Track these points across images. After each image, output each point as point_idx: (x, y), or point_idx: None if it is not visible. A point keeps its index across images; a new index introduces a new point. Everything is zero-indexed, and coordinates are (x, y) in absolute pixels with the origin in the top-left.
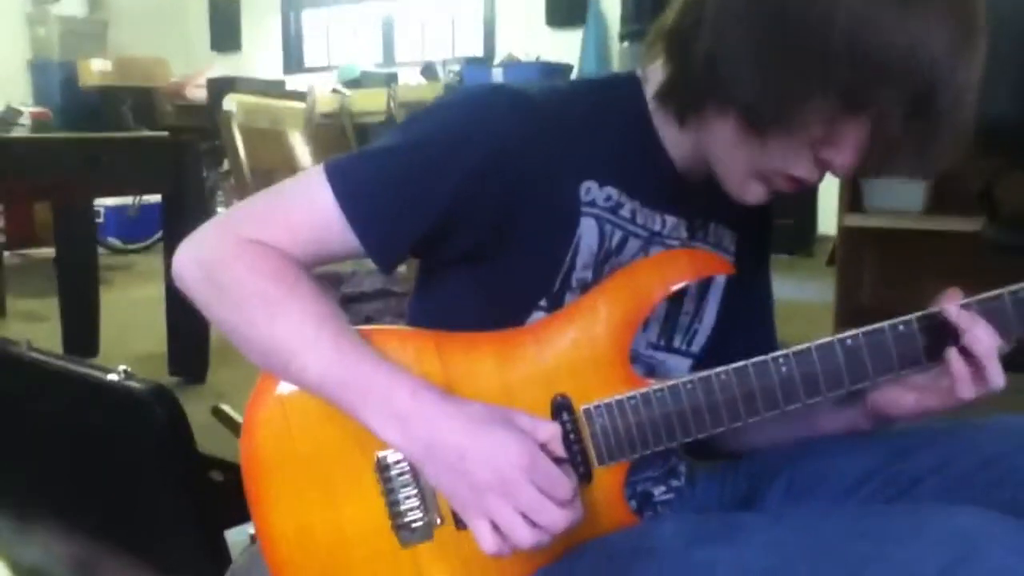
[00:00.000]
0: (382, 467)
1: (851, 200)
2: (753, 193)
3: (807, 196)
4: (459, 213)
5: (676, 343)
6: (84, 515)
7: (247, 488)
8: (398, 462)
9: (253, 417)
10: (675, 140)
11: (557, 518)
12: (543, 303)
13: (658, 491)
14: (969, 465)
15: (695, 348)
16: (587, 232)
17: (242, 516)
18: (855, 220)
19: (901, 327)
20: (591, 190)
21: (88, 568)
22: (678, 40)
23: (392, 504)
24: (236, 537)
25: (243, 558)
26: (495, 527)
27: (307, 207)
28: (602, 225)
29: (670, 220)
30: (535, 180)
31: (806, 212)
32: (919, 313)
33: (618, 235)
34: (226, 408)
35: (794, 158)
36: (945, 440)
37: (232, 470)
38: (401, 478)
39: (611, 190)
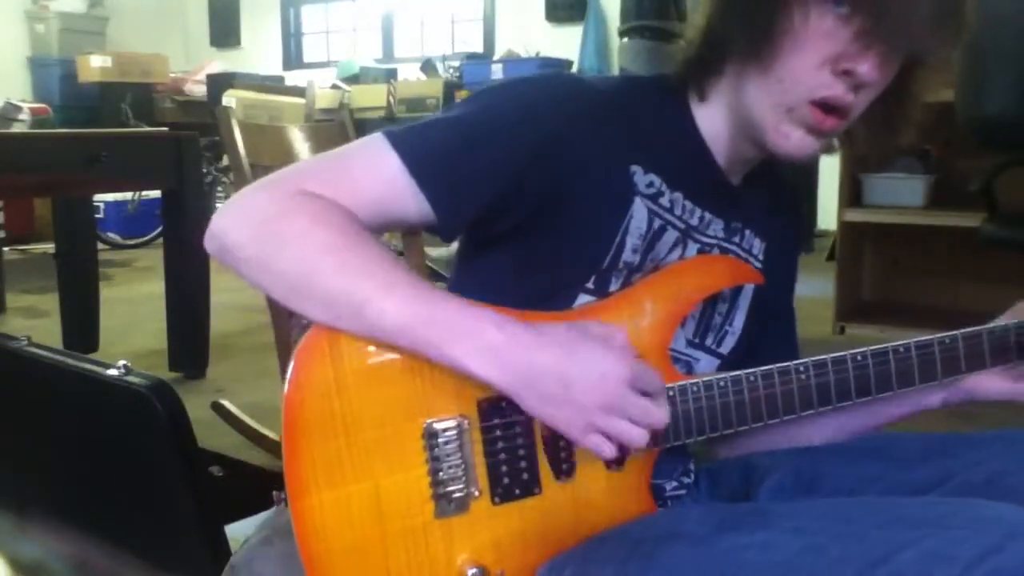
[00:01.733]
0: (429, 434)
1: (851, 195)
2: (794, 139)
3: (808, 191)
4: (522, 183)
5: (708, 342)
6: (84, 511)
7: (285, 447)
8: (446, 430)
9: (300, 372)
10: (714, 128)
11: (663, 414)
12: (590, 284)
13: (670, 486)
14: (968, 483)
15: (724, 349)
16: (638, 213)
17: (242, 511)
18: (855, 215)
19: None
20: (636, 174)
21: (88, 564)
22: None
23: (434, 472)
24: (236, 532)
25: (243, 553)
26: (607, 436)
27: (372, 169)
28: (649, 210)
29: (708, 217)
30: (592, 158)
31: (806, 207)
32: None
33: (657, 222)
34: (226, 403)
35: (811, 78)
36: (945, 455)
37: (232, 465)
38: (447, 446)
39: (654, 177)
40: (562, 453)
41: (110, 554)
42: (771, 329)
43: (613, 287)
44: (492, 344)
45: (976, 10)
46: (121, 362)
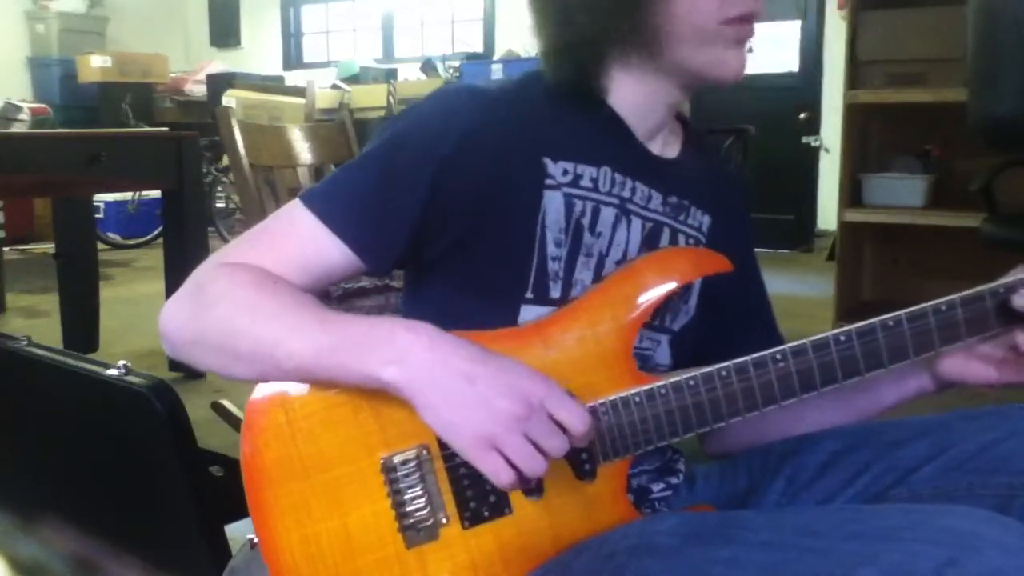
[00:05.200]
0: (388, 468)
1: (851, 195)
2: (733, 60)
3: (807, 192)
4: (434, 207)
5: (667, 322)
6: (83, 511)
7: (249, 496)
8: (405, 462)
9: (253, 423)
10: (627, 103)
11: (563, 443)
12: (529, 294)
13: (656, 488)
14: (963, 452)
15: (675, 326)
16: (551, 205)
17: (243, 511)
18: (855, 215)
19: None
20: (548, 166)
21: (87, 564)
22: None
23: (398, 505)
24: (237, 532)
25: (242, 556)
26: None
27: (289, 230)
28: (569, 199)
29: (642, 189)
30: (498, 161)
31: (806, 207)
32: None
33: (589, 207)
34: (226, 403)
35: (714, 6)
36: (939, 430)
37: (232, 465)
38: (407, 478)
39: (566, 164)
40: None
41: (110, 554)
42: (723, 311)
43: (554, 293)
44: (399, 347)
45: (987, 10)
46: (121, 362)
